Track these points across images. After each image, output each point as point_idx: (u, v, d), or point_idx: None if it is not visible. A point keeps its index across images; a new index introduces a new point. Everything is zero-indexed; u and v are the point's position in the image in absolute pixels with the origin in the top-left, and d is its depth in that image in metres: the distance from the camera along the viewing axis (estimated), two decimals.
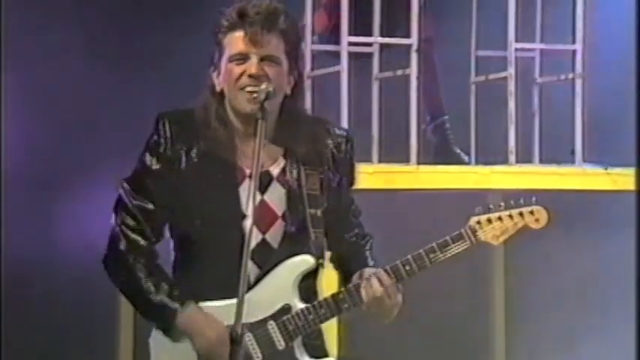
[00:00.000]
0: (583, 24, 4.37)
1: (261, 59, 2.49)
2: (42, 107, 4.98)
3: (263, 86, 2.45)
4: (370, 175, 3.91)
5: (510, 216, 2.60)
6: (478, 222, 2.56)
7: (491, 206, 2.59)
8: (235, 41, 2.52)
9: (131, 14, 5.03)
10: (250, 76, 2.48)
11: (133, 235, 2.59)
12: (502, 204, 2.59)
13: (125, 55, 5.14)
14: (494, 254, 5.16)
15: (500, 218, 2.60)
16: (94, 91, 4.92)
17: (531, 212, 2.59)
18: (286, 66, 2.53)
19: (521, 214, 2.59)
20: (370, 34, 4.13)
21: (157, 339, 2.61)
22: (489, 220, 2.58)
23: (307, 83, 4.27)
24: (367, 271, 2.59)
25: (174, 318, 2.53)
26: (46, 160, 4.81)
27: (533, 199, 2.59)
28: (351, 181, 2.72)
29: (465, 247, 2.58)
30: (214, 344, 2.52)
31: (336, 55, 4.16)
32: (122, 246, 2.58)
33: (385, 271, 2.56)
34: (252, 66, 2.49)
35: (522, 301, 5.37)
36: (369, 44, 4.12)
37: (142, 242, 2.60)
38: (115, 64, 5.05)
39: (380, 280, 2.55)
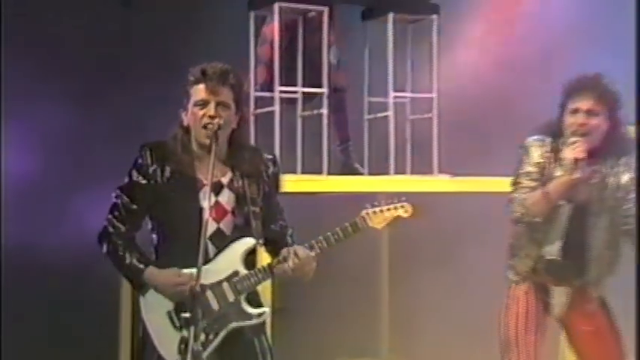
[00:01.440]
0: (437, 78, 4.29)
1: (217, 104, 2.60)
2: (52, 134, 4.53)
3: (215, 121, 2.58)
4: (295, 182, 3.92)
5: (388, 209, 2.79)
6: (367, 213, 2.75)
7: (375, 203, 2.78)
8: (199, 92, 2.62)
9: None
10: (209, 116, 2.59)
11: (118, 224, 2.69)
12: (383, 201, 2.80)
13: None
14: (382, 234, 4.86)
15: (381, 210, 2.79)
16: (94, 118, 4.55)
17: (402, 206, 2.80)
18: (234, 109, 2.64)
19: (395, 207, 2.79)
20: (296, 85, 4.10)
21: (144, 298, 2.70)
22: (375, 212, 2.77)
23: (251, 119, 4.14)
24: (290, 249, 2.71)
25: (140, 274, 2.65)
26: (57, 173, 4.48)
27: (403, 198, 2.80)
28: (278, 189, 2.85)
29: (359, 230, 2.76)
30: (171, 287, 2.61)
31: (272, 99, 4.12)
32: (110, 229, 2.69)
33: (305, 246, 2.70)
34: (211, 109, 2.60)
35: (402, 264, 5.19)
36: (295, 92, 4.09)
37: (123, 229, 2.70)
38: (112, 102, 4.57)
39: (309, 252, 2.69)
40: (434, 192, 4.21)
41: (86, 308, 4.33)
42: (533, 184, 3.04)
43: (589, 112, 2.97)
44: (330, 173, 4.09)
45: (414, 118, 4.30)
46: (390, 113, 4.17)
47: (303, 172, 4.04)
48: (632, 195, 3.02)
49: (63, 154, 4.49)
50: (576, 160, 2.90)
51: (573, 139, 2.96)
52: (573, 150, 2.93)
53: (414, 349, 4.98)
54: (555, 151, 3.04)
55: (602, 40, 4.66)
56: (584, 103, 2.97)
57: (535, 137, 3.07)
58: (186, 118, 2.63)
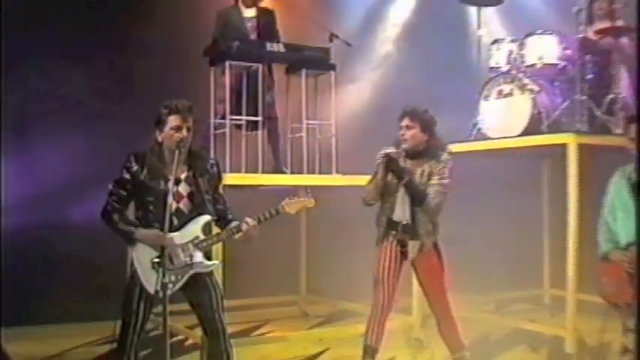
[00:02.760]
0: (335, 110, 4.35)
1: (187, 129, 2.73)
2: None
3: (182, 139, 2.69)
4: (240, 178, 3.99)
5: (299, 201, 2.92)
6: (285, 202, 2.90)
7: (292, 196, 2.94)
8: (174, 120, 2.72)
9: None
10: (183, 136, 2.72)
11: (114, 202, 2.75)
12: (294, 195, 2.94)
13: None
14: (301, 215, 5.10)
15: (295, 202, 2.91)
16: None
17: (309, 200, 2.94)
18: (192, 129, 2.76)
19: (304, 200, 2.93)
20: (241, 115, 4.13)
21: (135, 253, 2.75)
22: (290, 202, 2.90)
23: (212, 138, 4.11)
24: (234, 222, 2.79)
25: (131, 235, 2.72)
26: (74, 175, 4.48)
27: (310, 193, 2.95)
28: (220, 182, 2.90)
29: (279, 214, 2.86)
30: (154, 241, 2.66)
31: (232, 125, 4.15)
32: (109, 207, 2.75)
33: (253, 219, 2.81)
34: (183, 131, 2.73)
35: (315, 225, 5.21)
36: (241, 120, 4.14)
37: (117, 206, 2.75)
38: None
39: (251, 223, 2.79)
40: (332, 185, 4.37)
41: (103, 260, 4.29)
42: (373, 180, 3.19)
43: (407, 127, 3.18)
44: (264, 172, 4.18)
45: (320, 137, 4.43)
46: (304, 134, 4.32)
47: (246, 172, 4.12)
48: (431, 181, 3.16)
49: (84, 162, 4.50)
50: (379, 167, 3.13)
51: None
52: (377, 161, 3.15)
53: (325, 289, 5.11)
54: (399, 155, 3.23)
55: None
56: (403, 122, 3.18)
57: (384, 150, 3.24)
58: (160, 136, 2.73)
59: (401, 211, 3.20)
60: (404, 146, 3.19)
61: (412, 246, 3.23)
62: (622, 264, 2.72)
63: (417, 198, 3.17)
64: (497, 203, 5.10)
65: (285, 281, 5.18)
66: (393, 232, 3.21)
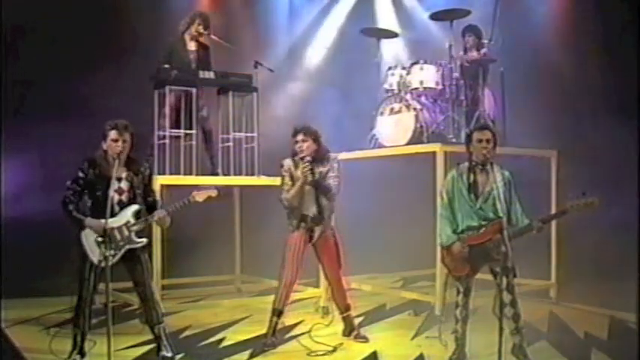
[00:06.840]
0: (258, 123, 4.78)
1: (123, 141, 3.09)
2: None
3: (119, 149, 3.05)
4: (178, 179, 4.37)
5: (204, 192, 3.23)
6: (195, 193, 3.25)
7: (199, 188, 3.22)
8: (114, 134, 3.09)
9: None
10: (119, 147, 3.07)
11: (70, 196, 3.08)
12: (202, 190, 3.21)
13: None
14: (235, 200, 5.53)
15: (202, 192, 3.25)
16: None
17: (212, 191, 3.26)
18: (129, 142, 3.11)
19: (207, 192, 3.24)
20: (179, 128, 4.59)
21: (84, 234, 3.07)
22: (198, 193, 3.23)
23: (155, 146, 4.53)
24: (156, 211, 3.22)
25: (82, 222, 3.09)
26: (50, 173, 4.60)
27: (213, 188, 3.24)
28: (151, 181, 3.30)
29: (191, 203, 3.13)
30: (97, 227, 3.04)
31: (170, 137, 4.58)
32: (67, 199, 3.10)
33: (165, 208, 3.16)
34: (119, 143, 3.08)
35: (250, 219, 5.60)
36: (179, 132, 4.57)
37: (73, 198, 3.10)
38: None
39: (165, 213, 3.15)
40: (256, 184, 4.83)
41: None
42: (288, 185, 3.74)
43: (302, 141, 3.71)
44: (199, 174, 4.60)
45: (246, 147, 4.85)
46: (231, 144, 4.78)
47: (184, 174, 4.54)
48: (327, 177, 3.65)
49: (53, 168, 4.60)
50: (305, 175, 3.67)
51: (302, 164, 3.64)
52: (303, 169, 3.69)
53: (257, 269, 5.47)
54: (295, 164, 3.77)
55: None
56: (299, 137, 3.73)
57: (287, 160, 3.81)
58: (105, 146, 3.16)
59: (309, 206, 3.69)
60: (301, 156, 3.67)
61: (317, 231, 3.74)
62: (460, 252, 3.22)
63: (324, 191, 3.68)
64: (398, 198, 5.71)
65: (222, 263, 5.54)
66: (303, 224, 3.71)
